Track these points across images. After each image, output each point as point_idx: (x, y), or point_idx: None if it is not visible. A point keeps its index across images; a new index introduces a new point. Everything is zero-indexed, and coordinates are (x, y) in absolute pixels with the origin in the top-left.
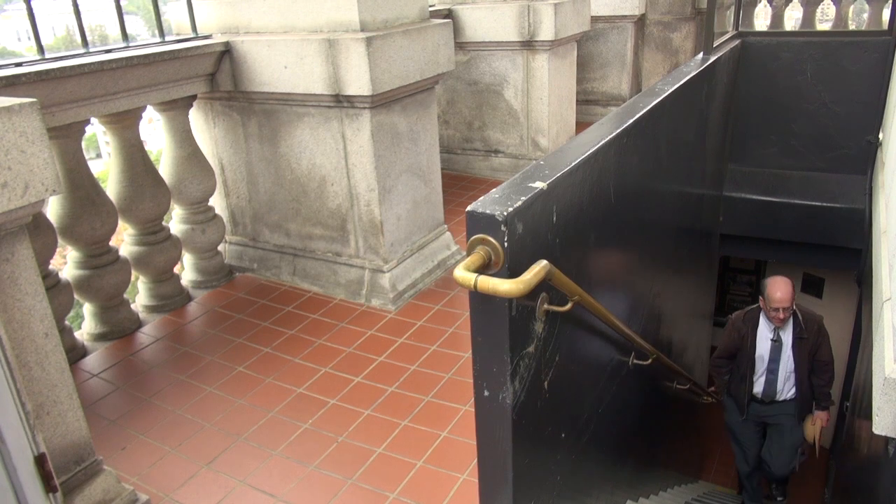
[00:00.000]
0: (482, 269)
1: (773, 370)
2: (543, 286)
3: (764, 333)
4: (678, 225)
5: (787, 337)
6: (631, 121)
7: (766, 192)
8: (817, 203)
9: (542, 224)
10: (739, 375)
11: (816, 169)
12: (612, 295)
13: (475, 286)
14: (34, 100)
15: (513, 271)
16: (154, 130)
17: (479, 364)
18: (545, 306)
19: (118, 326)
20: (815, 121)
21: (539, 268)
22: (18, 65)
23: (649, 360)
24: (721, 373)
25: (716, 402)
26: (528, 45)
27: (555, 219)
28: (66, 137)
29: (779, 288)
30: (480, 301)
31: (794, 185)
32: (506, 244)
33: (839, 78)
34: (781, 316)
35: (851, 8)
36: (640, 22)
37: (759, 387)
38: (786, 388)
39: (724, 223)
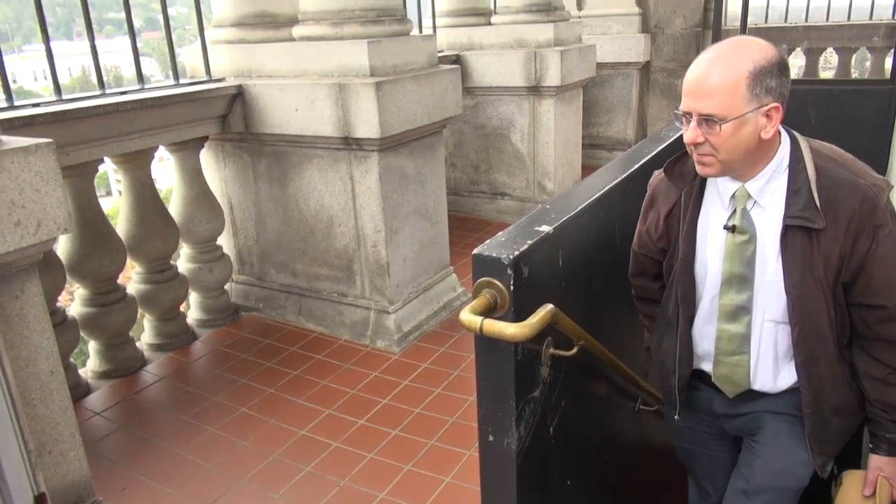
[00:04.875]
0: (488, 312)
1: (734, 312)
2: (549, 330)
3: (713, 211)
4: None
5: (764, 220)
6: (637, 165)
7: None
8: None
9: (548, 267)
10: (663, 323)
11: None
12: (618, 339)
13: (481, 329)
14: (50, 140)
15: (518, 315)
16: (164, 169)
17: (483, 408)
18: (551, 350)
19: (123, 364)
20: None
21: (545, 311)
22: (36, 105)
23: (656, 407)
24: (646, 316)
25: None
26: (535, 90)
27: (561, 262)
28: (80, 176)
29: (696, 62)
30: (486, 344)
31: None
32: (512, 287)
33: (843, 125)
34: (694, 136)
35: (854, 57)
36: (645, 68)
37: (703, 351)
38: (773, 367)
39: None
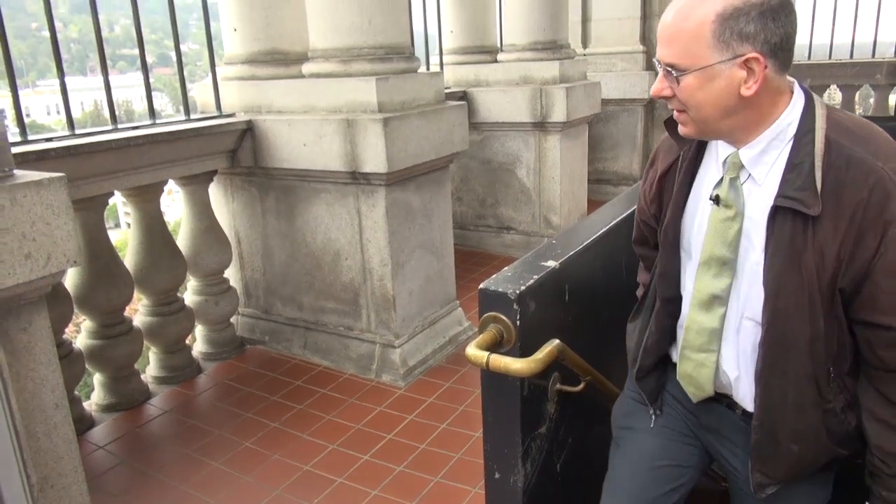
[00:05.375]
0: (494, 347)
1: (708, 301)
2: (556, 365)
3: (707, 179)
4: None
5: (756, 196)
6: None
7: None
8: None
9: (554, 302)
10: (642, 301)
11: None
12: (626, 375)
13: (487, 364)
14: (62, 175)
15: (525, 350)
16: (172, 202)
17: (489, 445)
18: (557, 386)
19: (127, 397)
20: None
21: (551, 347)
22: (49, 139)
23: None
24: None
25: None
26: (541, 126)
27: (567, 297)
28: (90, 209)
29: (671, 4)
30: (492, 379)
31: None
32: (518, 322)
33: None
34: (658, 87)
35: (857, 93)
36: (650, 105)
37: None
38: (747, 377)
39: None
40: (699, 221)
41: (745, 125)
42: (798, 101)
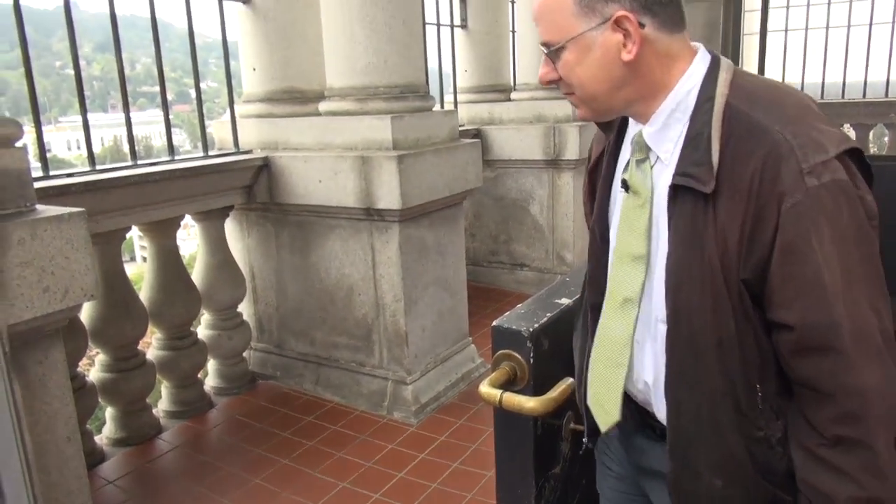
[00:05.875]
0: (507, 385)
1: (622, 304)
2: (570, 404)
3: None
4: None
5: (664, 179)
6: None
7: None
8: None
9: (568, 340)
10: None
11: None
12: None
13: (500, 402)
14: (82, 210)
15: (538, 388)
16: (188, 236)
17: (502, 485)
18: (571, 425)
19: (138, 432)
20: None
21: (565, 385)
22: (70, 175)
23: None
24: None
25: None
26: (554, 163)
27: None
28: (108, 244)
29: None
30: (505, 418)
31: None
32: (531, 360)
33: None
34: (543, 71)
35: (871, 132)
36: None
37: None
38: (653, 382)
39: None
40: (616, 212)
41: (639, 98)
42: (699, 65)
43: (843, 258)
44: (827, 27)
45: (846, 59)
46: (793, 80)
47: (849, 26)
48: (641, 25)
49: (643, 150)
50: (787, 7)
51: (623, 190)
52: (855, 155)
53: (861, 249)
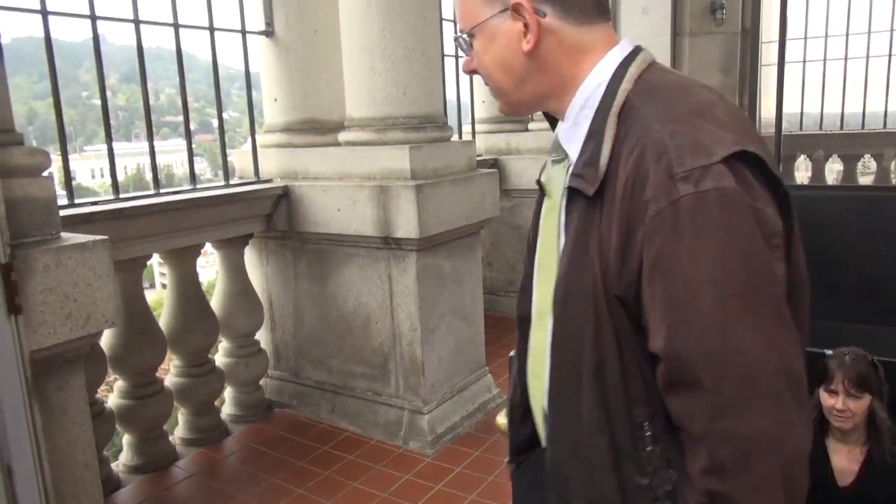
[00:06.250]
0: None
1: (542, 313)
2: None
3: None
4: None
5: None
6: None
7: (818, 345)
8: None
9: None
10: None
11: (869, 322)
12: None
13: None
14: (105, 238)
15: None
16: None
17: None
18: None
19: (154, 459)
20: (864, 273)
21: None
22: (94, 203)
23: None
24: None
25: None
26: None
27: None
28: (129, 271)
29: None
30: None
31: (847, 339)
32: None
33: (886, 232)
34: (464, 64)
35: (893, 163)
36: None
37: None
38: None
39: None
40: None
41: (550, 92)
42: (613, 58)
43: (723, 279)
44: (846, 58)
45: (865, 90)
46: (812, 110)
47: (867, 57)
48: (542, 14)
49: (560, 150)
50: (805, 38)
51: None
52: (755, 162)
53: (753, 271)
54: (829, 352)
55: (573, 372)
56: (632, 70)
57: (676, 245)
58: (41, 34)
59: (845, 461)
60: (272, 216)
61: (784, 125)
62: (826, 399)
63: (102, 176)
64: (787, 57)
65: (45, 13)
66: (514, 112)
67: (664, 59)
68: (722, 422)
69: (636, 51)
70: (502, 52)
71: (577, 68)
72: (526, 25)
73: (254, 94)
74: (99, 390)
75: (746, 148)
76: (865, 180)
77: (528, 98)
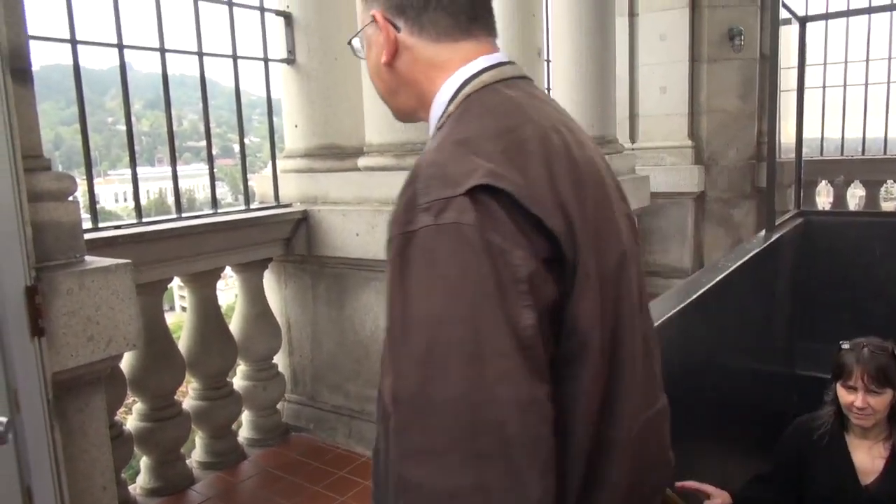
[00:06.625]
0: None
1: None
2: None
3: None
4: (748, 403)
5: None
6: (695, 295)
7: None
8: None
9: None
10: None
11: None
12: (679, 467)
13: None
14: (128, 261)
15: None
16: (226, 286)
17: None
18: None
19: (171, 482)
20: (887, 298)
21: None
22: (118, 227)
23: None
24: None
25: None
26: None
27: None
28: (150, 294)
29: None
30: None
31: None
32: None
33: None
34: None
35: None
36: (700, 198)
37: None
38: None
39: (798, 402)
40: None
41: (418, 106)
42: (459, 77)
43: (437, 322)
44: (866, 84)
45: (887, 115)
46: (833, 135)
47: (889, 83)
48: (398, 29)
49: None
50: (825, 64)
51: None
52: (506, 196)
53: (475, 318)
54: (846, 344)
55: (379, 396)
56: (465, 90)
57: (400, 278)
58: (68, 62)
59: (867, 458)
60: (291, 240)
61: (804, 150)
62: (844, 395)
63: (125, 200)
64: (807, 83)
65: (73, 42)
66: (400, 119)
67: (682, 85)
68: (399, 467)
69: (485, 69)
70: (374, 61)
71: (433, 85)
72: (386, 38)
73: (275, 120)
74: (118, 412)
75: (496, 183)
76: (888, 206)
77: (403, 108)
